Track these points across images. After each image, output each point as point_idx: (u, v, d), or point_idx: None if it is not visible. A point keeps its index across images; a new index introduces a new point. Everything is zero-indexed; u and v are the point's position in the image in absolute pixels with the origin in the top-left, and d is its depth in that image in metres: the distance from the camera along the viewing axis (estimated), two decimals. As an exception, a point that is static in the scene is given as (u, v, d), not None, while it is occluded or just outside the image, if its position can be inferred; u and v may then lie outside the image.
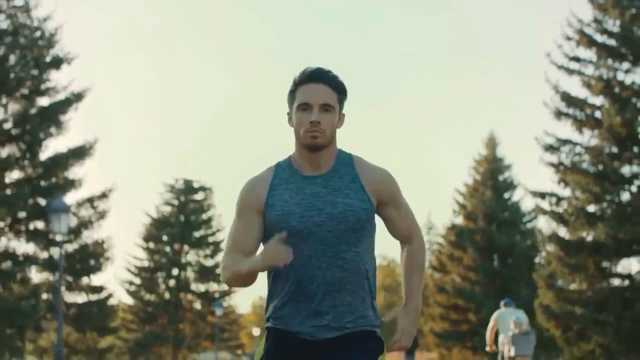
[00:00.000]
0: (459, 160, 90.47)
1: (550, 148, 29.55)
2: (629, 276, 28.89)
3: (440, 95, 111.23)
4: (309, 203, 3.47)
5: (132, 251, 55.62)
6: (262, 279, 3.66)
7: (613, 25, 29.29)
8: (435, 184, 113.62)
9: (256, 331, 75.20)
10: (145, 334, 48.13)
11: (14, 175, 29.38)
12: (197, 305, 51.55)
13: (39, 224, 29.24)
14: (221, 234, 52.10)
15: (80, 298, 31.91)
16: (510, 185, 47.47)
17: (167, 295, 49.99)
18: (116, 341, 45.30)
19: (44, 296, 29.41)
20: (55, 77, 31.51)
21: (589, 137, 29.38)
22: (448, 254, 48.04)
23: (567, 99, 29.46)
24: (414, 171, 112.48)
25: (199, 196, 52.39)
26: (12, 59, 29.00)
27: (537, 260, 41.80)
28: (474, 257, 45.38)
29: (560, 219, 29.41)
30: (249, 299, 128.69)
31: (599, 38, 29.34)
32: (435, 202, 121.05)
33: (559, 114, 29.39)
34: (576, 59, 29.64)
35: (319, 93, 3.47)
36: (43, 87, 29.89)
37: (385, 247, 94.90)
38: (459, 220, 48.28)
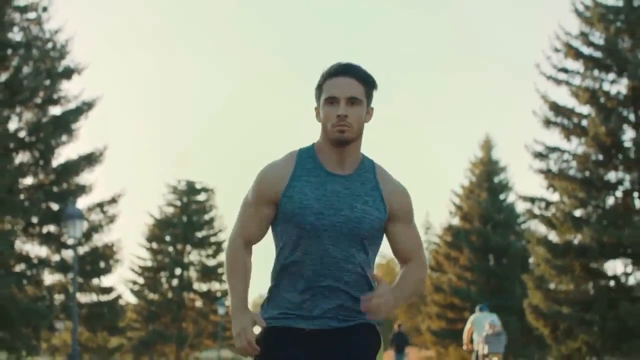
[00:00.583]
0: (458, 161, 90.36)
1: (539, 155, 30.13)
2: (613, 277, 29.49)
3: (439, 95, 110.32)
4: (329, 201, 3.43)
5: (136, 251, 56.60)
6: (264, 278, 3.69)
7: (599, 38, 29.92)
8: (434, 184, 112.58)
9: (257, 330, 75.03)
10: (148, 333, 48.18)
11: (27, 181, 29.99)
12: (200, 304, 51.61)
13: (52, 228, 29.92)
14: (223, 234, 52.34)
15: (90, 298, 32.61)
16: (505, 187, 48.11)
17: (170, 295, 50.08)
18: (121, 340, 44.98)
19: (56, 297, 30.15)
20: (66, 87, 32.44)
21: (576, 145, 29.88)
22: (445, 254, 48.54)
23: (556, 108, 29.98)
24: (412, 172, 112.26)
25: (201, 197, 52.61)
26: (26, 70, 29.55)
27: (531, 260, 42.53)
28: (470, 257, 46.05)
29: (549, 222, 29.99)
30: (249, 298, 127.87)
31: (586, 50, 29.96)
32: (434, 202, 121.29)
33: (547, 123, 29.96)
34: (564, 70, 30.19)
35: (345, 86, 3.42)
36: (55, 96, 30.48)
37: (384, 245, 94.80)
38: (456, 221, 48.83)
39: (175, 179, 53.32)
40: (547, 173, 29.94)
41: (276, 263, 3.56)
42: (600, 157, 29.32)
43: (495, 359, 17.72)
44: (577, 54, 29.85)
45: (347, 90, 3.41)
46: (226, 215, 59.39)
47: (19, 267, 29.52)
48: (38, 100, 30.06)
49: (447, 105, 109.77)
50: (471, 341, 18.45)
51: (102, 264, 32.16)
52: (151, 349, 49.03)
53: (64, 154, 33.45)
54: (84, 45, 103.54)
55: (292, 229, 3.46)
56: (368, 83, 3.47)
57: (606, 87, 29.69)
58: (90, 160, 31.02)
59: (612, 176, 29.53)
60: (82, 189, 30.96)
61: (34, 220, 29.75)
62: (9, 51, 29.57)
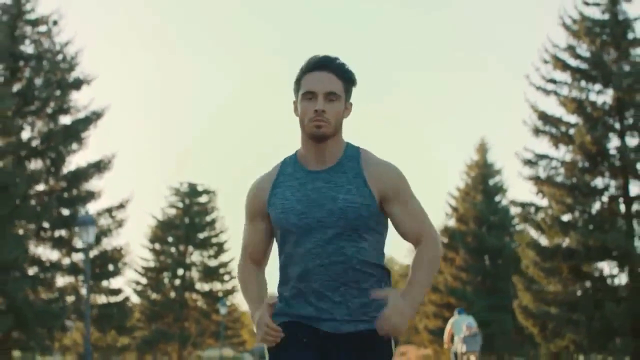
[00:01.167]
0: (455, 163, 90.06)
1: (528, 162, 30.54)
2: (599, 279, 29.88)
3: (439, 95, 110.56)
4: (310, 199, 3.36)
5: (139, 253, 56.83)
6: (270, 280, 3.62)
7: (586, 50, 30.37)
8: (431, 186, 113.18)
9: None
10: (152, 332, 48.28)
11: (39, 187, 30.81)
12: (202, 303, 51.66)
13: (63, 232, 30.78)
14: (224, 235, 52.87)
15: (100, 300, 33.43)
16: (500, 190, 48.36)
17: (172, 295, 50.26)
18: (128, 339, 45.01)
19: (67, 298, 30.83)
20: (76, 97, 33.61)
21: (564, 152, 30.22)
22: (441, 255, 49.04)
23: (544, 117, 30.36)
24: (409, 173, 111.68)
25: (203, 199, 52.88)
26: (38, 81, 30.49)
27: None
28: (466, 258, 46.46)
29: (538, 227, 30.44)
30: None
31: (573, 62, 30.39)
32: (431, 204, 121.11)
33: (537, 131, 30.36)
34: (553, 81, 30.58)
35: (324, 81, 3.35)
36: (65, 106, 31.36)
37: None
38: (452, 223, 48.94)
39: (178, 182, 53.65)
40: (536, 179, 30.39)
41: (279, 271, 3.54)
42: (587, 164, 29.72)
43: (473, 357, 19.58)
44: (564, 66, 30.32)
45: (326, 85, 3.35)
46: (227, 216, 59.64)
47: (32, 270, 30.34)
48: (49, 110, 30.92)
49: (444, 106, 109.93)
50: (452, 340, 20.43)
51: (110, 267, 32.95)
52: (154, 348, 49.35)
53: (74, 161, 34.28)
54: (84, 45, 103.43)
55: (281, 234, 3.43)
56: (347, 79, 3.41)
57: (592, 97, 30.16)
58: (99, 167, 31.85)
59: (598, 182, 29.91)
60: (91, 195, 31.79)
61: (46, 225, 30.52)
62: (21, 63, 30.58)
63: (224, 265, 51.65)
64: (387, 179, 3.41)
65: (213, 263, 51.85)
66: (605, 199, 30.01)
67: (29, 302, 27.59)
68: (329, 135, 3.37)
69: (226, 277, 51.83)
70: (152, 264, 51.08)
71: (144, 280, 50.62)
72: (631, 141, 30.05)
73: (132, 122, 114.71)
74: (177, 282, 51.07)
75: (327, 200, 3.35)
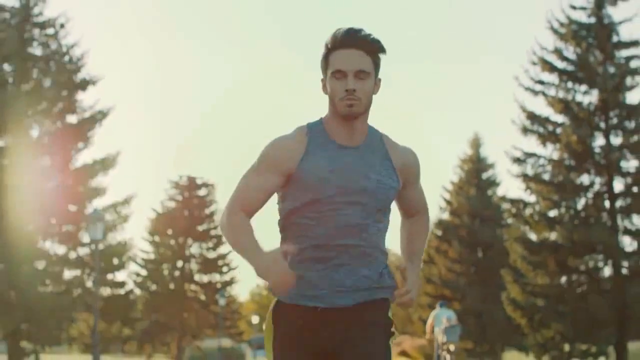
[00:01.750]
0: (450, 157, 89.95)
1: (517, 160, 31.04)
2: (584, 272, 30.39)
3: (433, 88, 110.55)
4: (344, 173, 3.31)
5: (139, 245, 56.27)
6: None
7: (572, 53, 30.90)
8: (426, 179, 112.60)
9: (255, 319, 73.96)
10: (151, 323, 48.56)
11: (48, 184, 31.41)
12: (201, 295, 51.64)
13: (70, 227, 31.58)
14: None
15: (106, 292, 34.19)
16: (493, 184, 48.53)
17: (172, 286, 50.27)
18: (130, 330, 46.27)
19: (74, 291, 31.57)
20: (82, 97, 33.72)
21: (551, 151, 30.70)
22: (435, 247, 48.34)
23: (533, 117, 30.87)
24: None
25: (202, 192, 52.92)
26: (46, 82, 31.25)
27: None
28: (459, 251, 46.65)
29: (526, 222, 31.02)
30: (247, 287, 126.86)
31: (560, 64, 30.90)
32: (426, 197, 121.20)
33: (525, 130, 30.92)
34: (540, 82, 31.06)
35: (353, 60, 3.27)
36: (72, 106, 32.08)
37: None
38: (446, 216, 49.07)
39: (177, 175, 53.68)
40: (524, 177, 30.94)
41: (282, 240, 3.45)
42: (573, 162, 30.19)
43: (452, 346, 21.20)
44: (552, 68, 30.87)
45: (355, 63, 3.28)
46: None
47: (41, 265, 31.07)
48: (57, 110, 31.67)
49: (439, 99, 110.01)
50: (433, 332, 22.19)
51: (115, 261, 33.69)
52: (154, 339, 49.63)
53: (80, 159, 35.04)
54: (85, 40, 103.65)
55: (306, 201, 3.34)
56: (376, 53, 3.34)
57: (579, 98, 30.58)
58: (104, 164, 32.59)
59: (584, 179, 30.28)
60: (97, 191, 32.55)
61: (53, 220, 31.34)
62: (30, 64, 31.33)
63: (222, 257, 51.71)
64: (412, 165, 3.51)
65: (212, 255, 51.92)
66: (590, 195, 30.31)
67: (39, 295, 28.40)
68: (360, 114, 3.34)
69: (225, 269, 51.84)
70: (152, 256, 51.18)
71: (144, 272, 50.74)
72: (616, 140, 30.45)
73: (135, 120, 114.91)
74: (177, 273, 51.07)
75: (361, 177, 3.34)
